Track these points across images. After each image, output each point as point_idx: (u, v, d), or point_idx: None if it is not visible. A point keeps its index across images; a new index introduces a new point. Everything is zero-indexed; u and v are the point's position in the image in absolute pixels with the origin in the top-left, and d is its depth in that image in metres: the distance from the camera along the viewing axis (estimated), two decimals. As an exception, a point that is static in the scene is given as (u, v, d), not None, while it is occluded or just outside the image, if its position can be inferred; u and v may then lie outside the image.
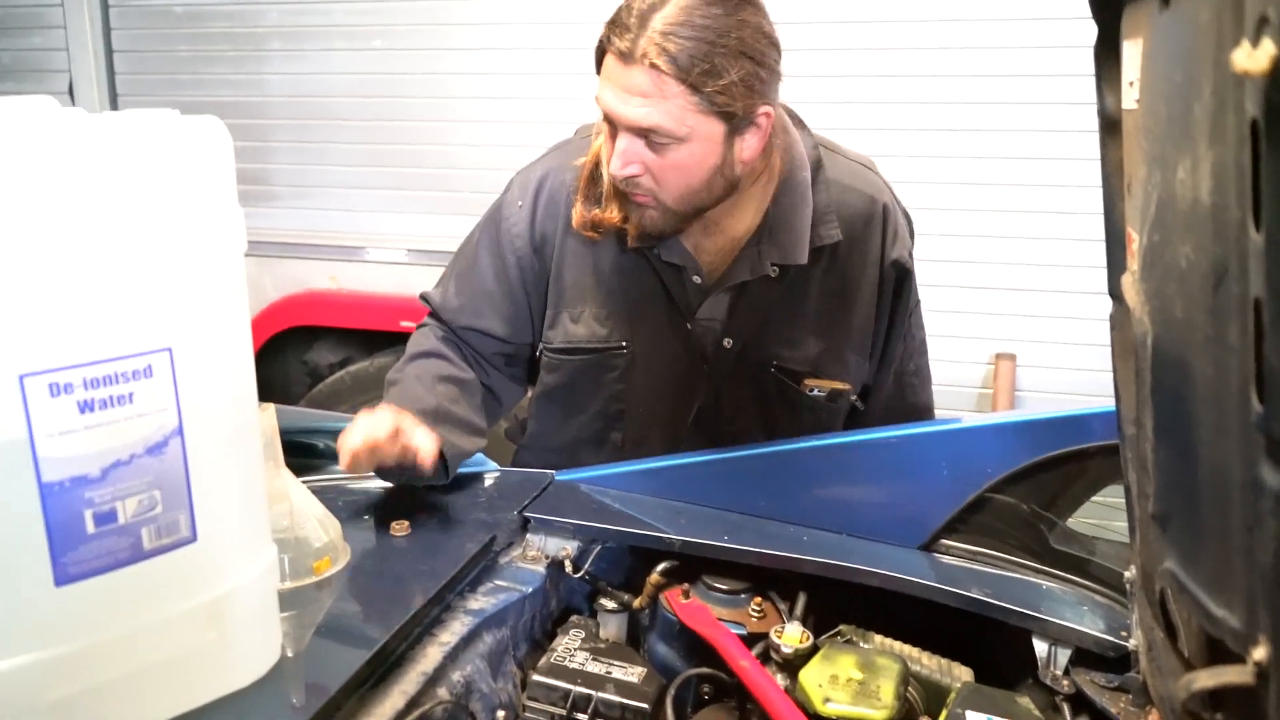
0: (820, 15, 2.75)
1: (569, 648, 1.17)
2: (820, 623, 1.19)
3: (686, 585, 1.26)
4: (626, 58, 1.25)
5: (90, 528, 0.78)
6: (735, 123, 1.30)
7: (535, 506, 1.36)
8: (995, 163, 2.70)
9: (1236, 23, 0.54)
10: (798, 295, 1.48)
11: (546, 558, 1.29)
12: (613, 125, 1.33)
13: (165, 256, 0.80)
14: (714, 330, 1.50)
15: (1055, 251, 2.67)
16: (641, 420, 1.57)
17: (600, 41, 1.31)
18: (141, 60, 3.34)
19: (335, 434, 1.49)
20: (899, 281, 1.53)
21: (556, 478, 1.47)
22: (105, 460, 0.78)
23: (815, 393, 1.51)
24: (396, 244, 3.13)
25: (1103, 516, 1.36)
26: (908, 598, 1.17)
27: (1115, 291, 0.93)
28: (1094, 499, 1.29)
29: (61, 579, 0.77)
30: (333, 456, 1.50)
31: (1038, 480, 1.28)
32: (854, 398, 1.57)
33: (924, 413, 1.64)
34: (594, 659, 1.15)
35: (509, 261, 1.53)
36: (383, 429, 1.26)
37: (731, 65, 1.24)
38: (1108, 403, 0.99)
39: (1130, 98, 0.84)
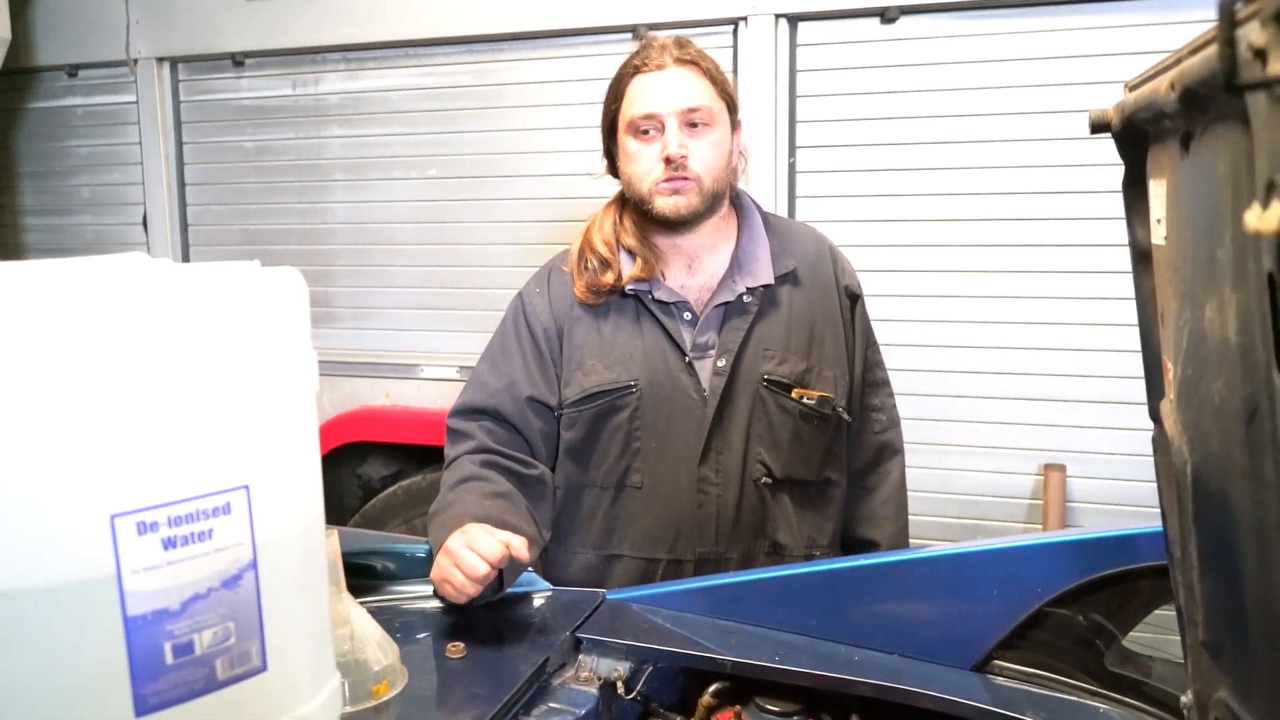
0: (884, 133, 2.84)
1: (623, 772, 1.17)
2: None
3: (739, 707, 1.26)
4: (665, 67, 1.61)
5: (169, 659, 0.81)
6: (733, 115, 1.67)
7: (587, 627, 1.38)
8: (1042, 276, 2.73)
9: (1250, 180, 0.58)
10: (772, 316, 1.69)
11: (599, 679, 1.30)
12: (645, 135, 1.63)
13: (245, 399, 0.85)
14: (708, 356, 1.67)
15: (1104, 363, 2.67)
16: (658, 456, 1.67)
17: (624, 75, 1.66)
18: (211, 192, 3.52)
19: (392, 555, 1.55)
20: (853, 305, 1.77)
21: (607, 597, 1.48)
22: (185, 594, 0.82)
23: (806, 401, 1.67)
24: (448, 361, 3.22)
25: (1161, 630, 1.34)
26: (962, 721, 1.16)
27: (1156, 415, 0.95)
28: (1151, 616, 1.28)
29: (141, 709, 0.80)
30: (389, 577, 1.54)
31: (1091, 599, 1.28)
32: (844, 414, 1.72)
33: (884, 451, 1.80)
34: (648, 784, 1.15)
35: (539, 335, 1.71)
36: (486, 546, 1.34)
37: (719, 68, 1.66)
38: (1158, 519, 1.00)
39: (1159, 234, 0.87)
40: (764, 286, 1.68)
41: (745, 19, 2.85)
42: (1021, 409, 2.77)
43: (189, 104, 3.50)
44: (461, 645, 1.31)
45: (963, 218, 2.79)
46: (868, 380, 1.79)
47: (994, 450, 2.81)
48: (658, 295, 1.68)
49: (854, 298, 1.77)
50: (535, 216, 3.16)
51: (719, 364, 1.66)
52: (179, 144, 3.52)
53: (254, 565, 0.86)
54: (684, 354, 1.66)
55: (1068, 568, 1.28)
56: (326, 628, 0.97)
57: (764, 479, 1.66)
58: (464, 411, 1.71)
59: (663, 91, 1.60)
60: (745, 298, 1.67)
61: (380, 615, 1.26)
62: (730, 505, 1.66)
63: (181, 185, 3.53)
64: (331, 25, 3.23)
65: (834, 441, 1.72)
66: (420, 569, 1.51)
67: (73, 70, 3.64)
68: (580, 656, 1.34)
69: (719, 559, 1.66)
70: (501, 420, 1.68)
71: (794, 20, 2.84)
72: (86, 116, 3.67)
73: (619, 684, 1.30)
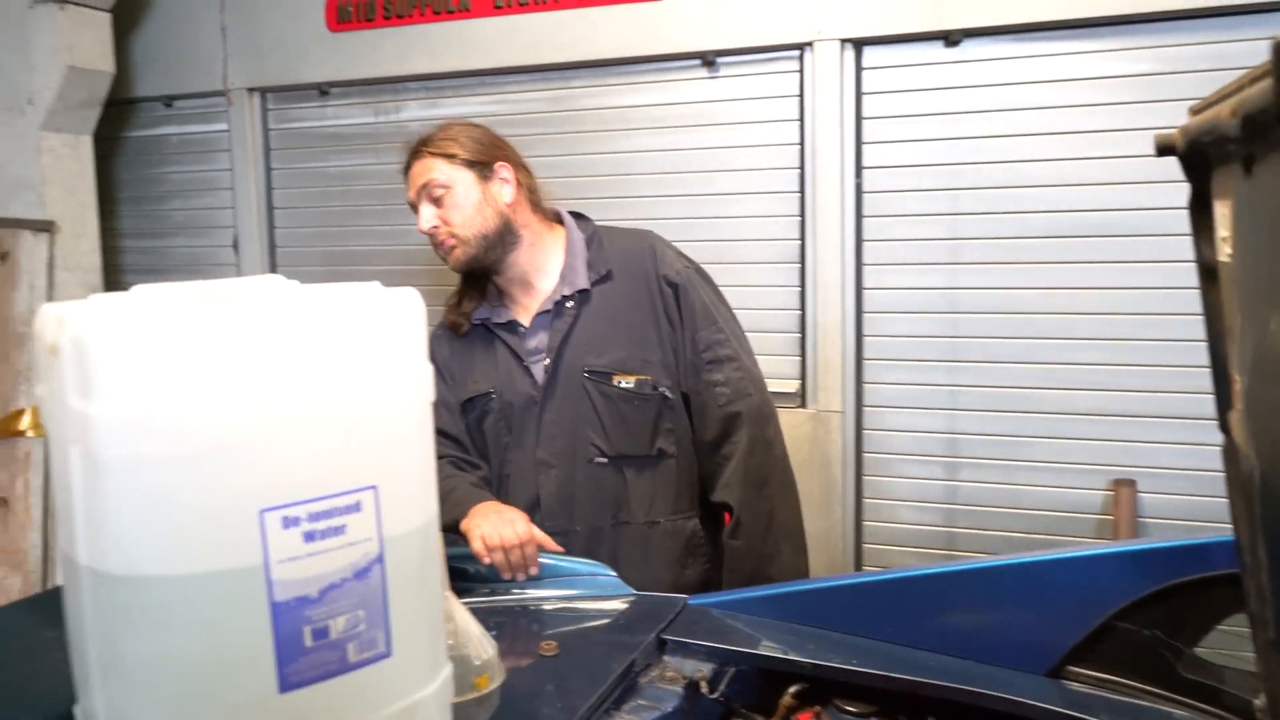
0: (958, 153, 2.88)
1: (707, 766, 1.23)
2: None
3: (818, 708, 1.31)
4: (409, 166, 1.98)
5: (308, 642, 0.90)
6: (480, 169, 1.94)
7: (670, 630, 1.44)
8: (1109, 293, 2.75)
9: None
10: (591, 315, 1.95)
11: (683, 678, 1.36)
12: (416, 212, 1.97)
13: (373, 407, 0.94)
14: (540, 360, 1.95)
15: (1172, 379, 2.67)
16: (515, 448, 1.96)
17: (403, 173, 2.00)
18: (298, 215, 3.69)
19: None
20: (675, 293, 1.97)
21: (690, 603, 1.55)
22: (322, 583, 0.90)
23: (624, 384, 1.93)
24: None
25: (1232, 646, 1.37)
26: (1037, 723, 1.20)
27: (1225, 426, 0.99)
28: (1221, 627, 1.30)
29: (284, 687, 0.88)
30: (480, 580, 1.63)
31: (1162, 608, 1.30)
32: (667, 391, 1.94)
33: (733, 422, 1.95)
34: (731, 778, 1.21)
35: (439, 362, 2.00)
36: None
37: (461, 142, 1.95)
38: (1229, 529, 1.03)
39: (1224, 251, 0.92)
40: (580, 291, 1.95)
41: (811, 44, 2.92)
42: (1090, 425, 2.79)
43: (277, 132, 3.67)
44: (554, 644, 1.38)
45: (1027, 236, 2.82)
46: (706, 359, 1.97)
47: (1063, 466, 2.82)
48: (493, 319, 2.00)
49: (674, 285, 1.97)
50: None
51: (545, 363, 1.95)
52: (268, 170, 3.69)
53: (381, 559, 0.94)
54: (521, 360, 1.96)
55: (1140, 576, 1.31)
56: (440, 620, 1.05)
57: (598, 458, 1.92)
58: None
59: (409, 185, 1.99)
60: (567, 304, 1.95)
61: (475, 614, 1.34)
62: (571, 483, 1.92)
63: (270, 209, 3.70)
64: (412, 57, 3.37)
65: (660, 418, 1.95)
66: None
67: (169, 101, 3.84)
68: (665, 657, 1.41)
69: (566, 532, 1.88)
70: (443, 434, 1.97)
71: (859, 45, 2.90)
72: (181, 144, 3.87)
73: (702, 684, 1.36)
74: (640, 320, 1.96)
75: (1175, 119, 0.97)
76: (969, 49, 2.81)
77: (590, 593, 1.61)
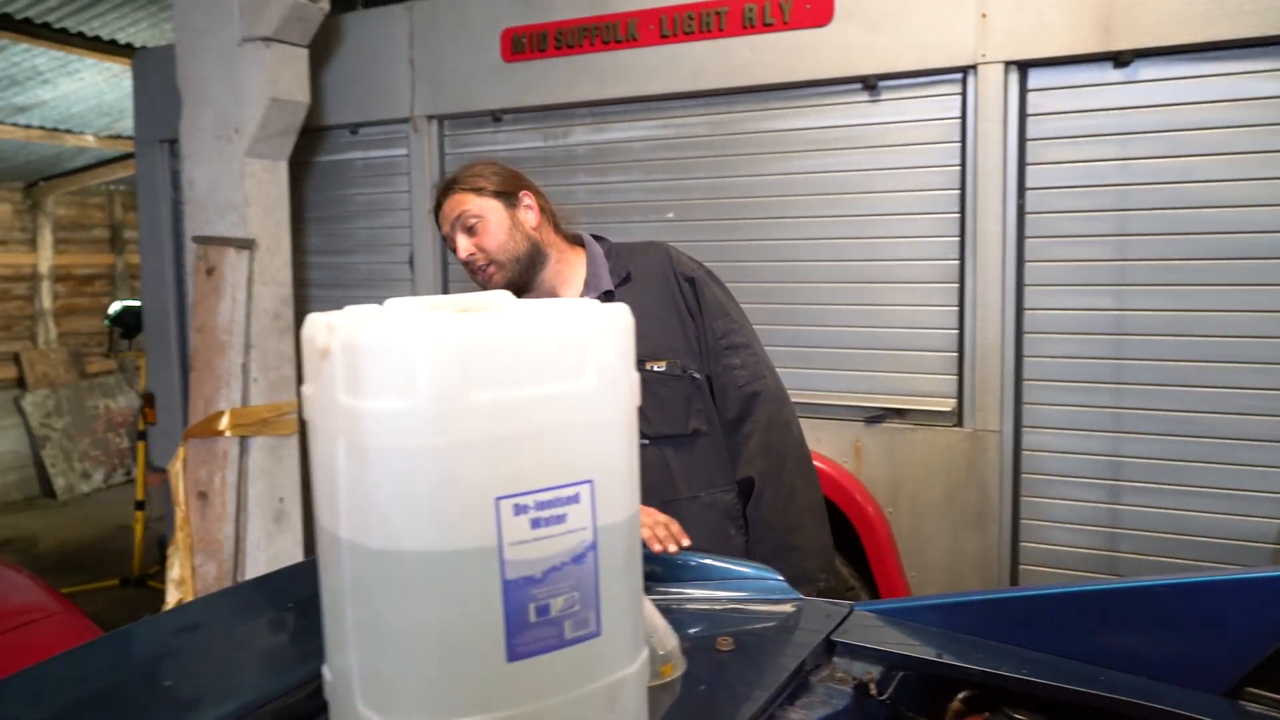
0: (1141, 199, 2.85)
1: (877, 763, 1.29)
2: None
3: (987, 714, 1.35)
4: (440, 204, 2.15)
5: (532, 618, 1.01)
6: (507, 199, 2.11)
7: (839, 633, 1.50)
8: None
9: None
10: None
11: (853, 679, 1.42)
12: (452, 245, 2.13)
13: (591, 409, 1.05)
14: None
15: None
16: None
17: (434, 214, 2.18)
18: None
19: (661, 561, 1.74)
20: (693, 287, 2.14)
21: (856, 608, 1.60)
22: (545, 565, 1.01)
23: (656, 369, 2.06)
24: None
25: None
26: (1212, 740, 1.20)
27: None
28: None
29: (511, 657, 1.00)
30: (657, 580, 1.73)
31: (1348, 634, 1.29)
32: (694, 373, 2.09)
33: (752, 401, 2.11)
34: (901, 776, 1.26)
35: None
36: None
37: (486, 176, 2.12)
38: None
39: None
40: (605, 292, 2.11)
41: (975, 67, 2.94)
42: (1264, 451, 2.70)
43: (453, 156, 3.91)
44: (730, 640, 1.47)
45: (1197, 257, 2.76)
46: (723, 345, 2.13)
47: (1235, 493, 2.74)
48: None
49: (690, 280, 2.15)
50: (761, 257, 3.35)
51: None
52: (443, 192, 3.92)
53: (594, 546, 1.05)
54: None
55: (1322, 600, 1.30)
56: (640, 606, 1.15)
57: (641, 440, 1.91)
58: None
59: (442, 222, 2.16)
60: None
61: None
62: None
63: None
64: (581, 84, 3.55)
65: (692, 398, 2.09)
66: (685, 574, 1.69)
67: (354, 128, 4.14)
68: (834, 659, 1.47)
69: None
70: None
71: (1024, 67, 2.91)
72: (364, 169, 4.16)
73: (871, 686, 1.41)
74: (663, 312, 2.11)
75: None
76: (1139, 69, 2.77)
77: (758, 595, 1.68)
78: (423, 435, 0.95)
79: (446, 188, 2.16)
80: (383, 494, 0.97)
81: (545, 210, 2.18)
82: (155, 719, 1.32)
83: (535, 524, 1.00)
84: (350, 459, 0.99)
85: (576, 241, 2.24)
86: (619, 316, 1.10)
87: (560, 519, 1.02)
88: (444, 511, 0.97)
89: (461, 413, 0.96)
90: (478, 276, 2.13)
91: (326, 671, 1.14)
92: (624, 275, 2.16)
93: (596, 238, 2.26)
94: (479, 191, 2.12)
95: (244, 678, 1.45)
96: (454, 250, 2.15)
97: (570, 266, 2.19)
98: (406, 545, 0.97)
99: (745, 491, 2.13)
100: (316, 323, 1.06)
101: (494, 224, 2.10)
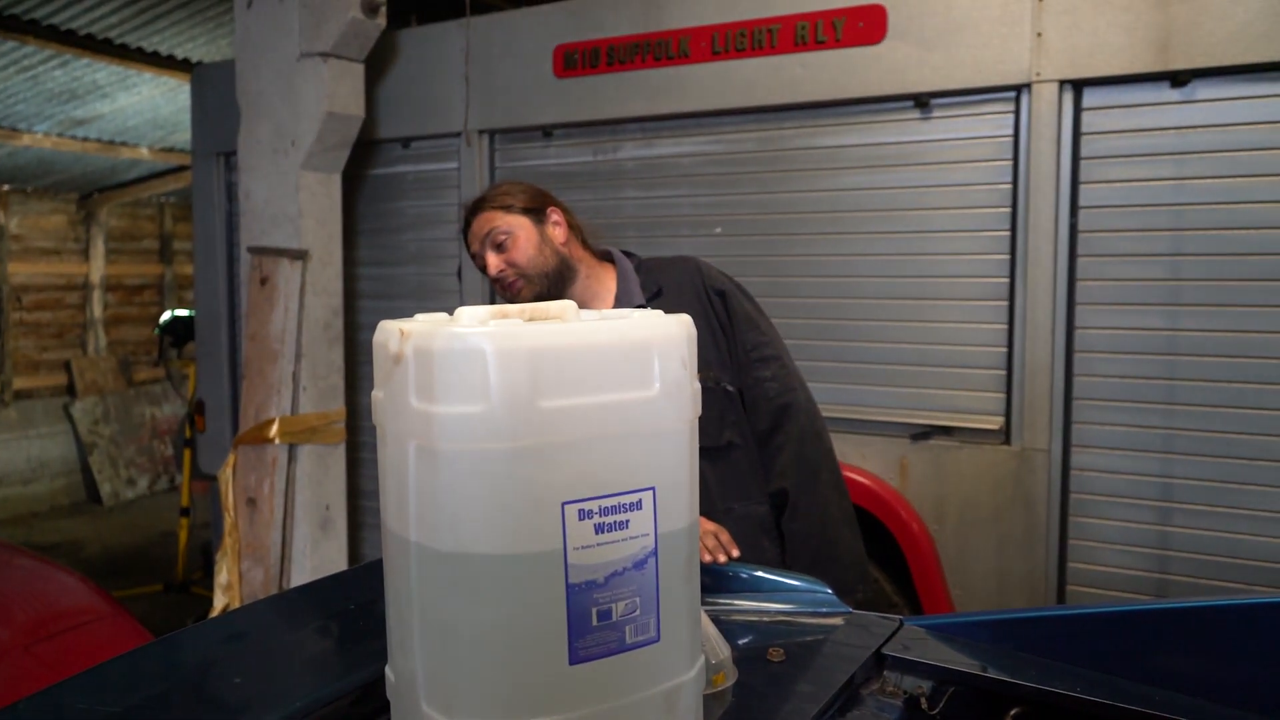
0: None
1: (929, 778, 1.29)
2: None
3: (1040, 731, 1.35)
4: (470, 222, 2.17)
5: (594, 622, 1.03)
6: (535, 215, 2.14)
7: (889, 646, 1.51)
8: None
9: None
10: None
11: (904, 693, 1.43)
12: (482, 263, 2.16)
13: (655, 418, 1.07)
14: None
15: None
16: None
17: (462, 234, 2.21)
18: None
19: (710, 572, 1.75)
20: (724, 301, 2.15)
21: (905, 623, 1.60)
22: (607, 570, 1.03)
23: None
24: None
25: None
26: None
27: None
28: None
29: (573, 659, 1.02)
30: (706, 590, 1.74)
31: None
32: (727, 386, 2.11)
33: (783, 413, 2.12)
34: (953, 791, 1.26)
35: None
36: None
37: (514, 194, 2.16)
38: None
39: None
40: (637, 306, 2.09)
41: (1029, 85, 2.93)
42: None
43: (502, 170, 3.96)
44: (781, 650, 1.47)
45: (1253, 278, 2.73)
46: (754, 358, 2.13)
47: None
48: None
49: (720, 294, 2.15)
50: (809, 273, 3.36)
51: None
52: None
53: (655, 553, 1.07)
54: None
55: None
56: (699, 613, 1.17)
57: None
58: None
59: (470, 240, 2.19)
60: None
61: (706, 620, 1.45)
62: None
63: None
64: (631, 100, 3.58)
65: (726, 410, 2.10)
66: (734, 585, 1.70)
67: (406, 142, 4.20)
68: (885, 673, 1.47)
69: None
70: None
71: (1079, 85, 2.90)
72: (415, 182, 4.22)
73: (922, 700, 1.42)
74: (697, 326, 2.10)
75: None
76: (1197, 89, 2.75)
77: (808, 608, 1.69)
78: (493, 440, 0.98)
79: (475, 206, 2.18)
80: (452, 497, 1.00)
81: (573, 226, 2.21)
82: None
83: (599, 529, 1.03)
84: (421, 462, 1.02)
85: (606, 257, 2.26)
86: (683, 327, 1.12)
87: (623, 525, 1.04)
88: (512, 515, 0.99)
89: (531, 419, 0.99)
90: (507, 292, 2.15)
91: (389, 672, 1.17)
92: (655, 290, 2.17)
93: (626, 253, 2.28)
94: (507, 209, 2.14)
95: (301, 681, 1.47)
96: (483, 269, 2.17)
97: (600, 282, 2.20)
98: (474, 548, 0.99)
99: (777, 504, 2.14)
100: (389, 329, 1.09)
101: (523, 240, 2.11)
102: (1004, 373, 3.07)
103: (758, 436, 2.14)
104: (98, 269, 9.40)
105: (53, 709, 1.30)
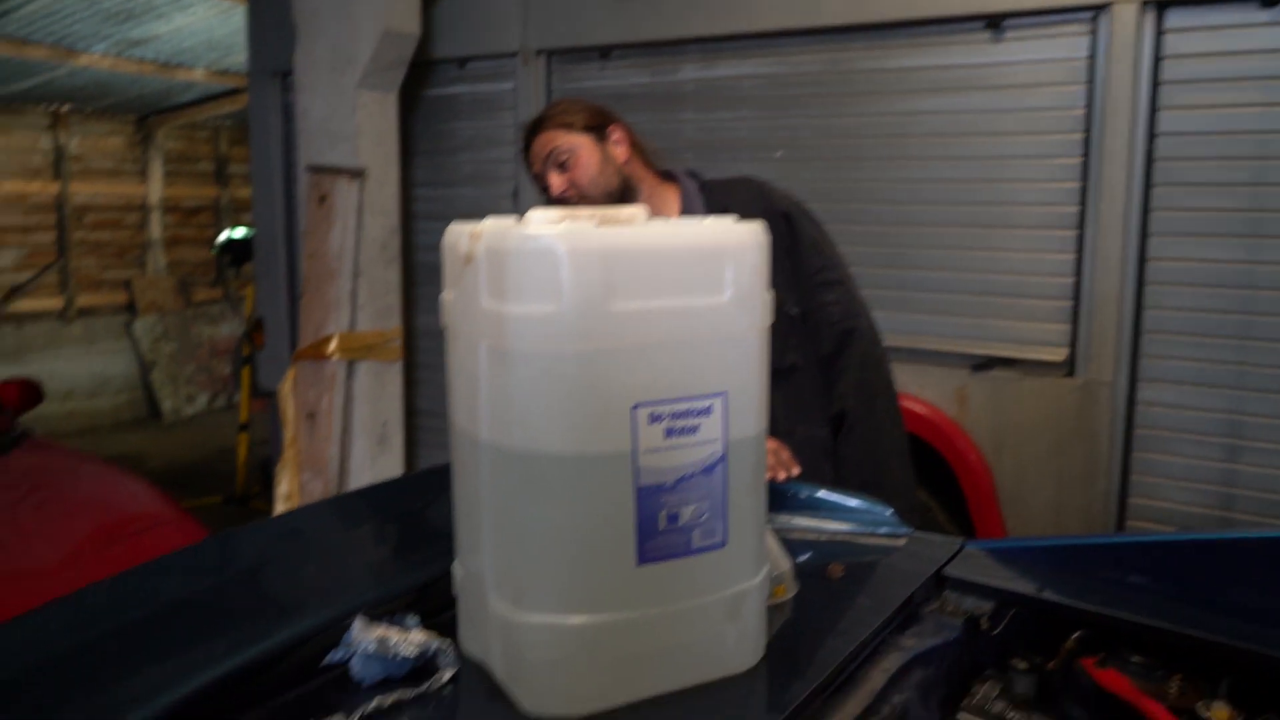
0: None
1: (988, 696, 1.29)
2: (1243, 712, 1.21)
3: (1103, 654, 1.34)
4: (530, 142, 2.15)
5: (662, 525, 1.03)
6: (596, 133, 2.11)
7: (951, 568, 1.50)
8: None
9: None
10: None
11: (964, 613, 1.42)
12: (544, 183, 2.14)
13: (727, 324, 1.06)
14: None
15: None
16: None
17: (523, 154, 2.18)
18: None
19: (770, 490, 1.74)
20: (788, 223, 2.11)
21: (966, 545, 1.59)
22: (677, 474, 1.03)
23: None
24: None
25: None
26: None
27: None
28: None
29: (641, 560, 1.02)
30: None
31: None
32: (791, 308, 2.06)
33: (847, 337, 2.11)
34: (1012, 709, 1.26)
35: None
36: None
37: (575, 113, 2.12)
38: None
39: None
40: None
41: (1107, 6, 2.82)
42: None
43: (559, 90, 3.91)
44: (842, 567, 1.47)
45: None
46: (818, 281, 2.12)
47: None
48: None
49: (785, 216, 2.12)
50: (872, 198, 3.29)
51: None
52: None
53: (724, 459, 1.07)
54: None
55: None
56: (764, 522, 1.17)
57: None
58: None
59: (536, 156, 2.15)
60: None
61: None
62: None
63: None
64: (691, 19, 3.51)
65: (789, 333, 2.04)
66: (794, 504, 1.70)
67: (462, 62, 4.16)
68: (945, 593, 1.47)
69: None
70: None
71: (1161, 6, 2.78)
72: (471, 102, 4.19)
73: (983, 620, 1.41)
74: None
75: None
76: (1290, 8, 2.63)
77: (869, 528, 1.69)
78: (564, 341, 0.97)
79: (535, 126, 2.16)
80: (524, 397, 1.00)
81: (635, 144, 2.18)
82: (296, 605, 1.39)
83: (669, 433, 1.02)
84: (492, 363, 1.02)
85: (669, 177, 2.23)
86: (755, 235, 1.10)
87: (693, 430, 1.04)
88: (582, 416, 0.99)
89: (603, 320, 0.98)
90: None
91: (457, 568, 1.19)
92: (719, 210, 2.13)
93: (690, 173, 2.25)
94: (569, 127, 2.11)
95: (371, 575, 1.51)
96: (544, 189, 2.15)
97: (664, 201, 2.18)
98: (545, 448, 1.00)
99: (836, 427, 2.14)
100: (459, 231, 1.09)
101: (585, 159, 2.09)
102: (1070, 304, 3.01)
103: (820, 361, 2.13)
104: (156, 190, 9.52)
105: (119, 593, 1.34)
